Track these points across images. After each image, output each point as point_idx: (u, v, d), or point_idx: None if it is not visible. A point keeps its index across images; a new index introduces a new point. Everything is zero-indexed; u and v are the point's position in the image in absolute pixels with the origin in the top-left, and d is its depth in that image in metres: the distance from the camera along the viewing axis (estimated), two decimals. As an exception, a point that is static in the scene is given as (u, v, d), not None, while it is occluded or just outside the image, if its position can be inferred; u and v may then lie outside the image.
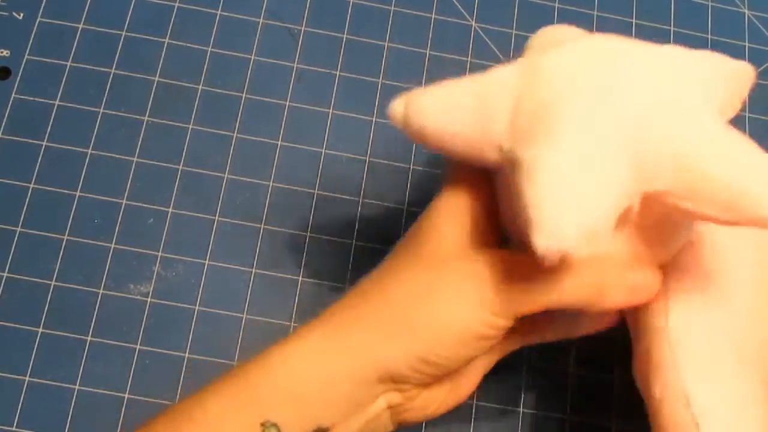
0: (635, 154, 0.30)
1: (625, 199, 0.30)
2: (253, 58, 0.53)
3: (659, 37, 0.56)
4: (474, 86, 0.33)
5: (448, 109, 0.33)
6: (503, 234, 0.36)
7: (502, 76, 0.33)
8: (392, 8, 0.55)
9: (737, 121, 0.53)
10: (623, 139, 0.30)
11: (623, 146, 0.30)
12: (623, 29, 0.56)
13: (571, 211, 0.28)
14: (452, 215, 0.35)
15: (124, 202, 0.49)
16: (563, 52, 0.32)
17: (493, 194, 0.35)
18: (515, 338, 0.38)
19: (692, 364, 0.33)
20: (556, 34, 0.37)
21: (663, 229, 0.33)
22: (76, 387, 0.45)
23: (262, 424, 0.30)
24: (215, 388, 0.32)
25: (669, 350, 0.33)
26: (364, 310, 0.32)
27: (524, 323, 0.34)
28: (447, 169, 0.37)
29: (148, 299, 0.47)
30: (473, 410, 0.46)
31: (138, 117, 0.50)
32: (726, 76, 0.34)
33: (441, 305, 0.32)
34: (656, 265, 0.34)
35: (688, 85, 0.32)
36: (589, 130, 0.30)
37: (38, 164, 0.49)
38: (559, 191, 0.28)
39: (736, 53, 0.56)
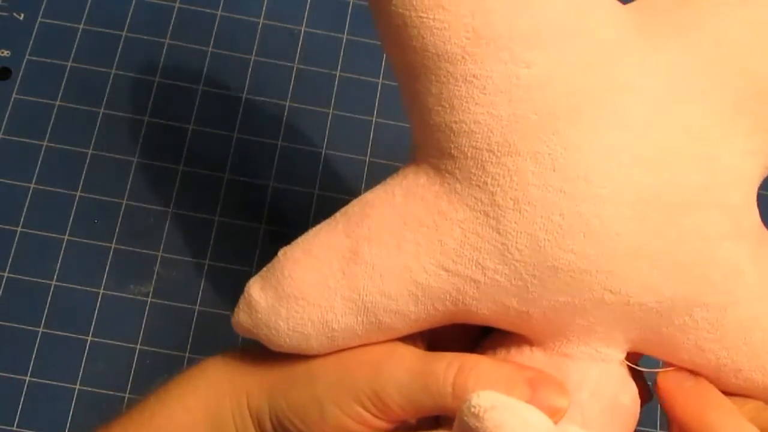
0: None
1: None
2: (253, 58, 0.53)
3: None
4: None
5: None
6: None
7: None
8: (392, 8, 0.55)
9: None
10: None
11: None
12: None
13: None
14: None
15: (124, 202, 0.49)
16: None
17: None
18: None
19: None
20: None
21: None
22: (76, 387, 0.45)
23: None
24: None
25: None
26: (265, 359, 0.33)
27: None
28: None
29: (148, 299, 0.47)
30: None
31: (138, 117, 0.50)
32: None
33: (319, 383, 0.32)
34: None
35: None
36: None
37: (38, 164, 0.49)
38: None
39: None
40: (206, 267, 0.48)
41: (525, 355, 0.31)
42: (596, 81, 0.28)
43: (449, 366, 0.30)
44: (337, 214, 0.32)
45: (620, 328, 0.30)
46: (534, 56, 0.28)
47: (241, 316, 0.32)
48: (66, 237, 0.48)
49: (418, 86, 0.29)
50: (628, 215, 0.28)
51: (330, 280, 0.30)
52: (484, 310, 0.30)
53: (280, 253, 0.32)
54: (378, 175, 0.50)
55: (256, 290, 0.31)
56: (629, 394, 0.31)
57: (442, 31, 0.28)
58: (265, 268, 0.32)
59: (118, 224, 0.48)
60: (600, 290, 0.29)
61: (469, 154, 0.29)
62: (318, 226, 0.32)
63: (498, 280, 0.29)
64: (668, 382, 0.31)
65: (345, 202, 0.50)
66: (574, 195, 0.28)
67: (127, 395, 0.45)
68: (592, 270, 0.28)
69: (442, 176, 0.30)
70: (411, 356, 0.31)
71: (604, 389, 0.31)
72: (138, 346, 0.46)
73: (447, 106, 0.29)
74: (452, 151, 0.29)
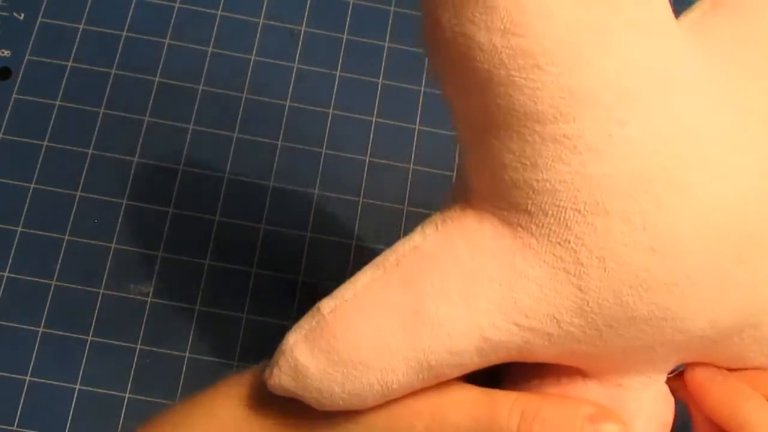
0: None
1: None
2: (253, 58, 0.53)
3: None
4: None
5: None
6: None
7: None
8: (392, 8, 0.55)
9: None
10: None
11: None
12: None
13: None
14: None
15: (124, 202, 0.49)
16: None
17: None
18: None
19: None
20: None
21: None
22: (76, 387, 0.45)
23: None
24: None
25: None
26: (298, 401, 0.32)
27: None
28: None
29: (148, 299, 0.47)
30: None
31: (138, 117, 0.50)
32: None
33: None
34: None
35: None
36: None
37: (38, 164, 0.49)
38: None
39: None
40: (206, 267, 0.48)
41: (578, 387, 0.31)
42: (683, 134, 0.27)
43: (511, 412, 0.30)
44: (387, 265, 0.29)
45: (677, 357, 0.31)
46: (629, 113, 0.26)
47: (284, 380, 0.29)
48: (66, 237, 0.48)
49: (492, 141, 0.27)
50: (707, 265, 0.28)
51: (391, 341, 0.28)
52: (549, 357, 0.30)
53: (325, 311, 0.29)
54: (378, 175, 0.50)
55: (304, 354, 0.29)
56: (672, 409, 0.32)
57: (535, 91, 0.26)
58: (308, 328, 0.29)
59: (118, 224, 0.48)
60: (671, 332, 0.29)
61: (550, 212, 0.27)
62: (363, 279, 0.29)
63: (572, 331, 0.28)
64: (698, 376, 0.32)
65: (345, 202, 0.50)
66: (663, 252, 0.27)
67: (127, 395, 0.45)
68: (669, 317, 0.28)
69: (513, 230, 0.28)
70: (469, 399, 0.31)
71: (656, 413, 0.31)
72: (138, 346, 0.46)
73: (529, 164, 0.27)
74: (530, 207, 0.27)
